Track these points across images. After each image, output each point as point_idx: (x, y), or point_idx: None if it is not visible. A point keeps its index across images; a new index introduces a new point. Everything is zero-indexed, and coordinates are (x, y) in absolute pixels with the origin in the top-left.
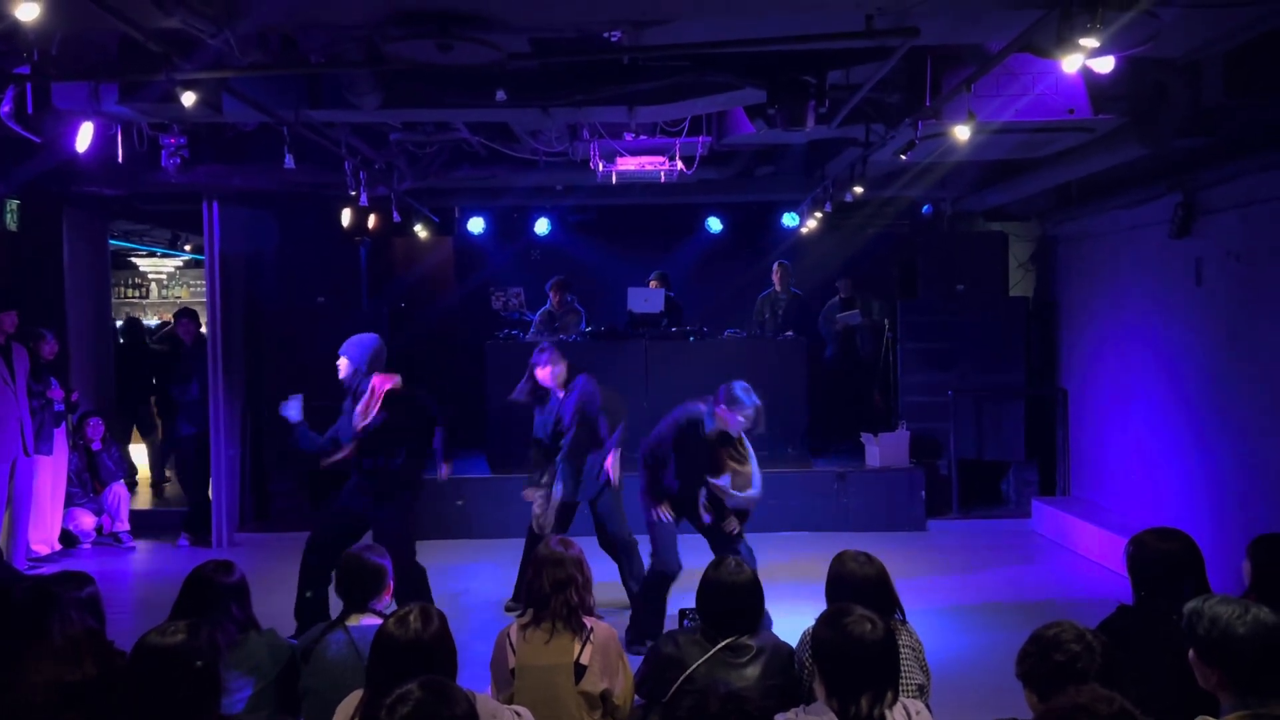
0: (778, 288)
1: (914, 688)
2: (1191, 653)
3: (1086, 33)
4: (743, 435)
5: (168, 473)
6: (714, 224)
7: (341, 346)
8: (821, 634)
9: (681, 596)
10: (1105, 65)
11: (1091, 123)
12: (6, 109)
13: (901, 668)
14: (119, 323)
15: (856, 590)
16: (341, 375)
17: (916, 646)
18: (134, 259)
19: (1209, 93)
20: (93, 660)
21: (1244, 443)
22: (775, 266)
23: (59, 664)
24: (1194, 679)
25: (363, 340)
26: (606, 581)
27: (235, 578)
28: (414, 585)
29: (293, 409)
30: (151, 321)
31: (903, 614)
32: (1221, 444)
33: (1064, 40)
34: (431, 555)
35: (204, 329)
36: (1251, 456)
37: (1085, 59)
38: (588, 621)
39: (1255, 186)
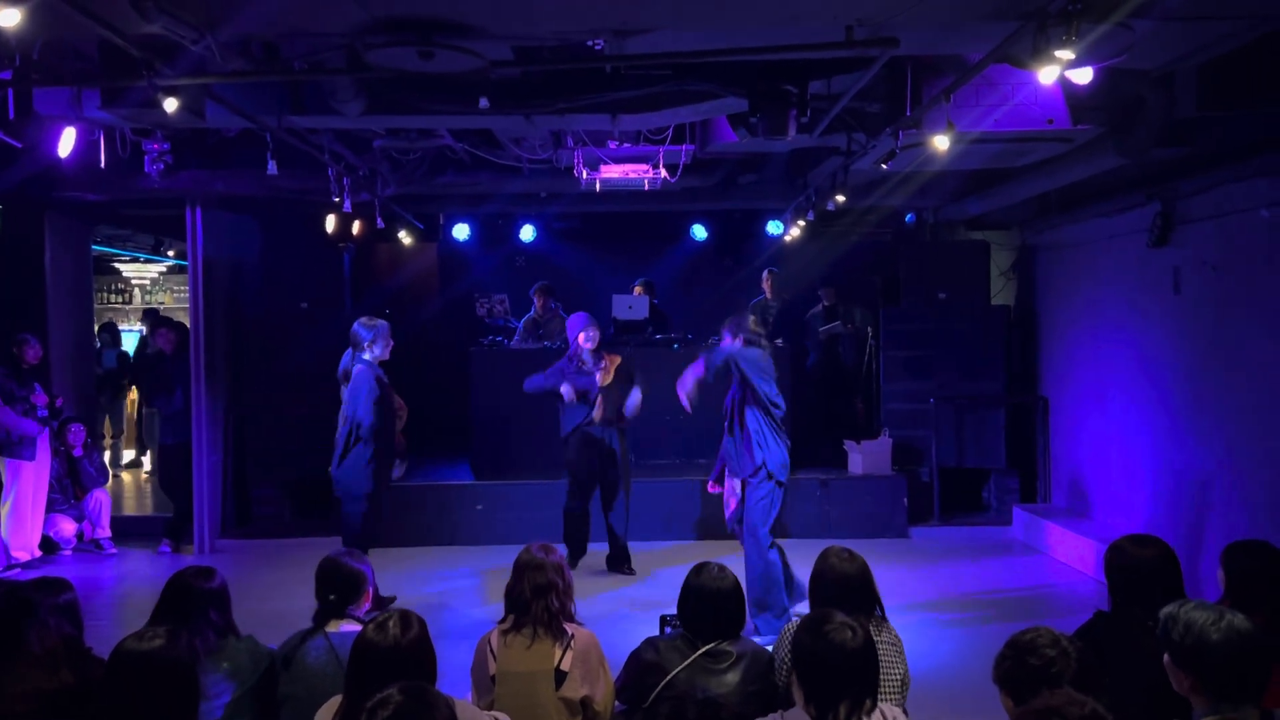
0: (769, 295)
1: (895, 681)
2: (1166, 658)
3: (1062, 44)
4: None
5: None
6: (698, 231)
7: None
8: (802, 640)
9: (666, 604)
10: (1083, 76)
11: (1070, 133)
12: None
13: (882, 663)
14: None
15: (839, 585)
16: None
17: (896, 642)
18: (117, 264)
19: (1183, 105)
20: (70, 668)
21: (1222, 450)
22: (766, 274)
23: (36, 672)
24: (1169, 684)
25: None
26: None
27: (215, 584)
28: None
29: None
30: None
31: (882, 611)
32: (1200, 452)
33: (1040, 52)
34: (410, 561)
35: (186, 336)
36: (1230, 464)
37: (1061, 70)
38: (568, 628)
39: (1231, 197)
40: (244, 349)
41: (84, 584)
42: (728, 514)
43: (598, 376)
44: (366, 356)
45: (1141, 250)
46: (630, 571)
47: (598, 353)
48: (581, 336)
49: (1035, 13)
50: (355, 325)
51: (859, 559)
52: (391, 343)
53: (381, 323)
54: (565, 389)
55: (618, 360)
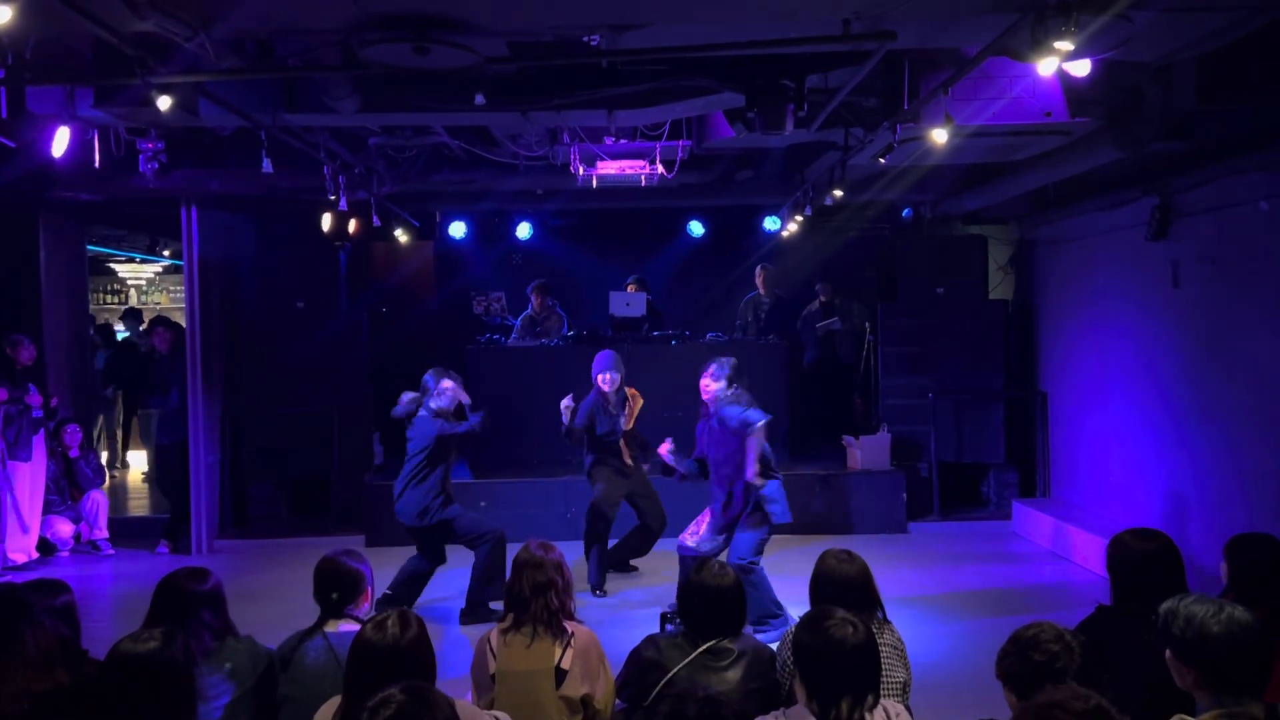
0: (761, 291)
1: (897, 684)
2: (1168, 652)
3: (1061, 36)
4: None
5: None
6: (695, 228)
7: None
8: (802, 637)
9: (666, 601)
10: (1081, 69)
11: (1068, 126)
12: None
13: (884, 666)
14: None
15: (838, 588)
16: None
17: (899, 644)
18: (112, 264)
19: (1182, 98)
20: (65, 669)
21: (1222, 443)
22: (759, 270)
23: (31, 673)
24: (1171, 678)
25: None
26: None
27: (207, 586)
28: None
29: None
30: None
31: (883, 612)
32: (1199, 445)
33: (1039, 44)
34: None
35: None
36: (1229, 457)
37: (1060, 62)
38: (568, 626)
39: (1228, 190)
40: (240, 348)
41: (81, 585)
42: (704, 533)
43: (622, 420)
44: (433, 405)
45: (1140, 244)
46: (632, 568)
47: (620, 392)
48: (600, 378)
49: (1034, 4)
50: (427, 374)
51: (859, 560)
52: (457, 399)
53: (452, 380)
54: (564, 403)
55: (640, 401)
